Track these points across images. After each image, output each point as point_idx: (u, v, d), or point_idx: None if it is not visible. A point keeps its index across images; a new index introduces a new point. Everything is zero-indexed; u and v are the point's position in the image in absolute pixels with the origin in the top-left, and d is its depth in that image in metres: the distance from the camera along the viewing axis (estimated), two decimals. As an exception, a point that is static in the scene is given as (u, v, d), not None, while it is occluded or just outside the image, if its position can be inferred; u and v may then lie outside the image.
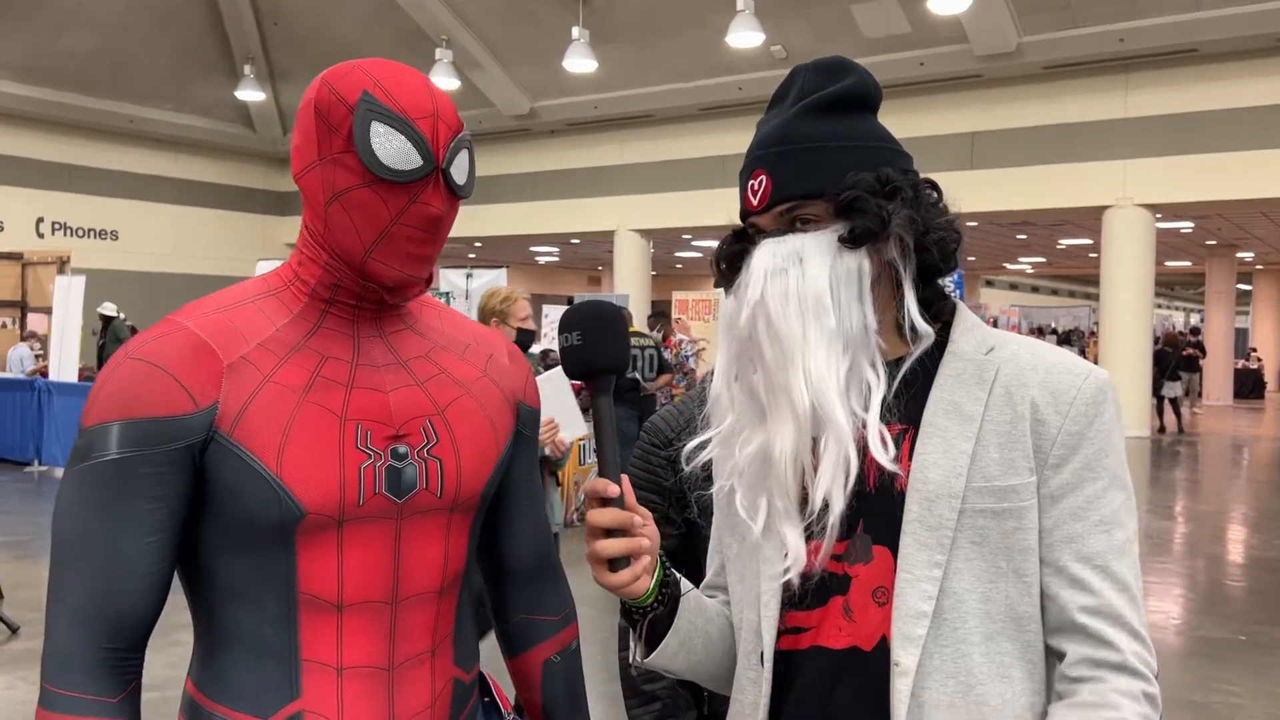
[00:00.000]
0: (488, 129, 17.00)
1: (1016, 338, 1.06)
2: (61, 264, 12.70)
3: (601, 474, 1.01)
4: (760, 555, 1.05)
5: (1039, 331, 22.40)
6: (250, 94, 16.95)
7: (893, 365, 1.04)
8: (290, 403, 1.03)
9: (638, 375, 7.68)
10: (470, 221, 17.91)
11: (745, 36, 12.02)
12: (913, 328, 1.02)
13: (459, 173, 1.06)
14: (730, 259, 1.08)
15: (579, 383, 1.11)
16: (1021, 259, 24.96)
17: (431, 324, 1.19)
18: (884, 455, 0.98)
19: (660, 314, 10.34)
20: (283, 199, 20.74)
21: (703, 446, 1.11)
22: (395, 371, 1.11)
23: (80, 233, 17.48)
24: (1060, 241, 20.30)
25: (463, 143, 1.07)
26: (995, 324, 16.24)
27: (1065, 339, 23.59)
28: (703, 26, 13.23)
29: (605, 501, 1.00)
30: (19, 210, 17.12)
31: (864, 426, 1.00)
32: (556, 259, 24.87)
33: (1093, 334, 21.50)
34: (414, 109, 1.03)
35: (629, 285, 16.05)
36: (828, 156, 1.03)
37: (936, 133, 13.38)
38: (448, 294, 12.52)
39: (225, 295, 1.11)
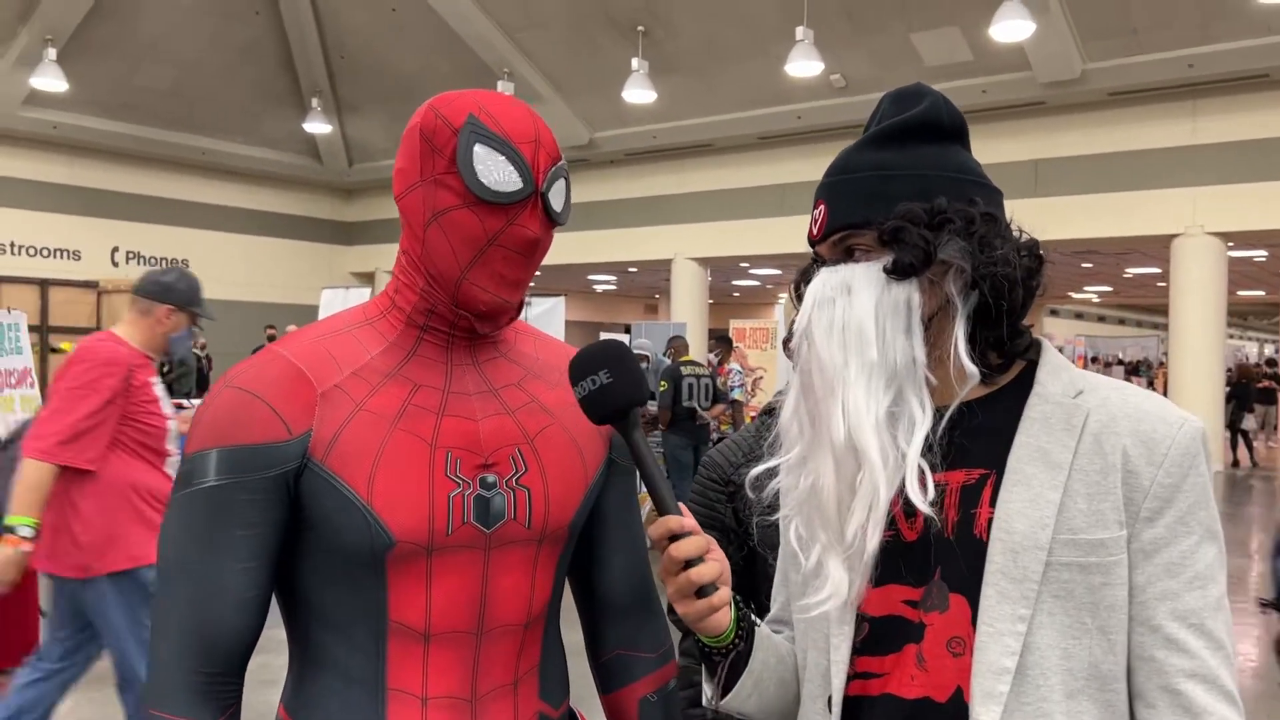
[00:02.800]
0: (548, 159, 17.13)
1: (1105, 380, 1.03)
2: (135, 292, 13.06)
3: (662, 511, 0.99)
4: (810, 591, 1.02)
5: (1097, 361, 21.90)
6: (318, 127, 17.35)
7: (959, 405, 1.01)
8: (382, 430, 1.04)
9: (694, 404, 7.66)
10: (530, 250, 18.02)
11: (804, 66, 12.01)
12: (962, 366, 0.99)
13: (557, 199, 1.07)
14: (799, 288, 1.09)
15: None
16: (1087, 288, 24.49)
17: (525, 351, 1.19)
18: (920, 496, 0.95)
19: (723, 339, 10.28)
20: (348, 229, 21.14)
21: (770, 474, 1.09)
22: (486, 399, 1.11)
23: (154, 261, 17.97)
24: (1127, 270, 19.89)
25: (561, 171, 1.08)
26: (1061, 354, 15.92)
27: (1133, 370, 23.06)
28: (762, 56, 13.26)
29: (677, 535, 0.97)
30: (97, 240, 17.68)
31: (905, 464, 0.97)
32: (614, 287, 24.99)
33: (1161, 365, 21.00)
34: (517, 134, 1.05)
35: (686, 313, 16.05)
36: (884, 186, 1.01)
37: (999, 160, 13.21)
38: (507, 322, 12.68)
39: (326, 324, 1.14)
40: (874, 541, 0.96)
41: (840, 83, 13.30)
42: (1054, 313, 29.28)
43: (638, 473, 1.06)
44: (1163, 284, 19.12)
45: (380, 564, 1.03)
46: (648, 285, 23.96)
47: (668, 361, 8.58)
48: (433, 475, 1.05)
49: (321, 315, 9.71)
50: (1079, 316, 31.89)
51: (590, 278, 22.78)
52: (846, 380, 0.98)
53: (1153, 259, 16.80)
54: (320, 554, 1.05)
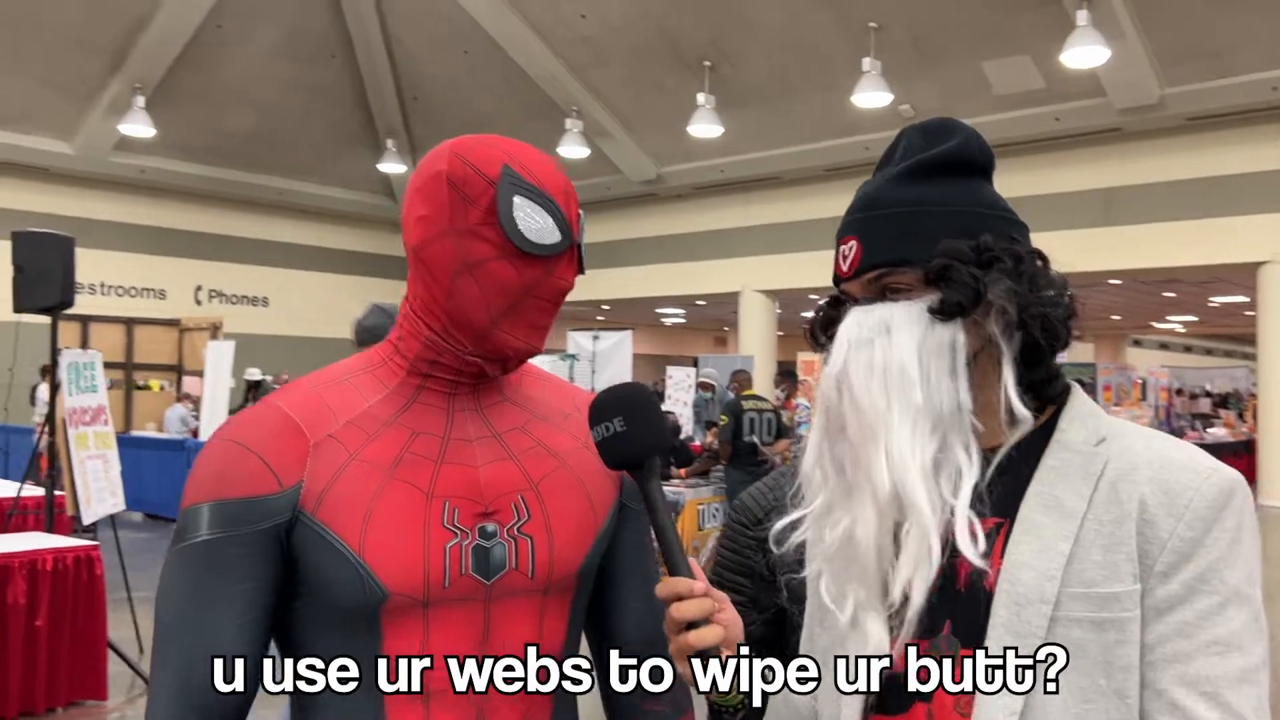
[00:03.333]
0: (615, 195, 17.30)
1: (1137, 429, 0.97)
2: (214, 330, 13.44)
3: (672, 570, 0.96)
4: (845, 649, 0.97)
5: (1182, 393, 21.17)
6: (392, 166, 17.74)
7: (993, 452, 0.96)
8: (376, 480, 1.02)
9: (755, 439, 7.58)
10: (597, 284, 18.17)
11: (872, 97, 11.94)
12: (1010, 410, 0.94)
13: (584, 246, 1.09)
14: (824, 326, 1.04)
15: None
16: (1171, 318, 23.75)
17: (531, 394, 1.17)
18: (972, 549, 0.90)
19: (788, 374, 10.19)
20: (421, 265, 21.47)
21: (794, 526, 1.04)
22: (488, 445, 1.09)
23: (234, 299, 18.49)
24: (1212, 299, 19.25)
25: (583, 218, 1.09)
26: (1144, 386, 15.45)
27: (1222, 402, 22.25)
28: (829, 88, 13.21)
29: (685, 596, 0.94)
30: (181, 279, 18.25)
31: (952, 515, 0.92)
32: (683, 320, 24.98)
33: (1252, 396, 20.24)
34: (551, 185, 1.05)
35: (754, 346, 15.96)
36: (921, 222, 0.97)
37: (1070, 189, 12.94)
38: (574, 356, 12.70)
39: (326, 372, 1.13)
40: (922, 594, 0.91)
41: (909, 113, 13.16)
42: (1137, 343, 28.46)
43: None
44: (1250, 312, 18.48)
45: (374, 617, 1.01)
46: (716, 318, 23.90)
47: (731, 395, 8.52)
48: (428, 525, 1.02)
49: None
50: (1164, 347, 30.94)
51: (658, 311, 22.82)
52: (890, 425, 0.93)
53: (1239, 287, 16.24)
54: (316, 607, 1.03)
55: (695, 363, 14.77)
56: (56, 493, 4.99)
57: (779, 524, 1.06)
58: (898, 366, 0.94)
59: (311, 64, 15.60)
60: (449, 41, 14.74)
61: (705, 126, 13.63)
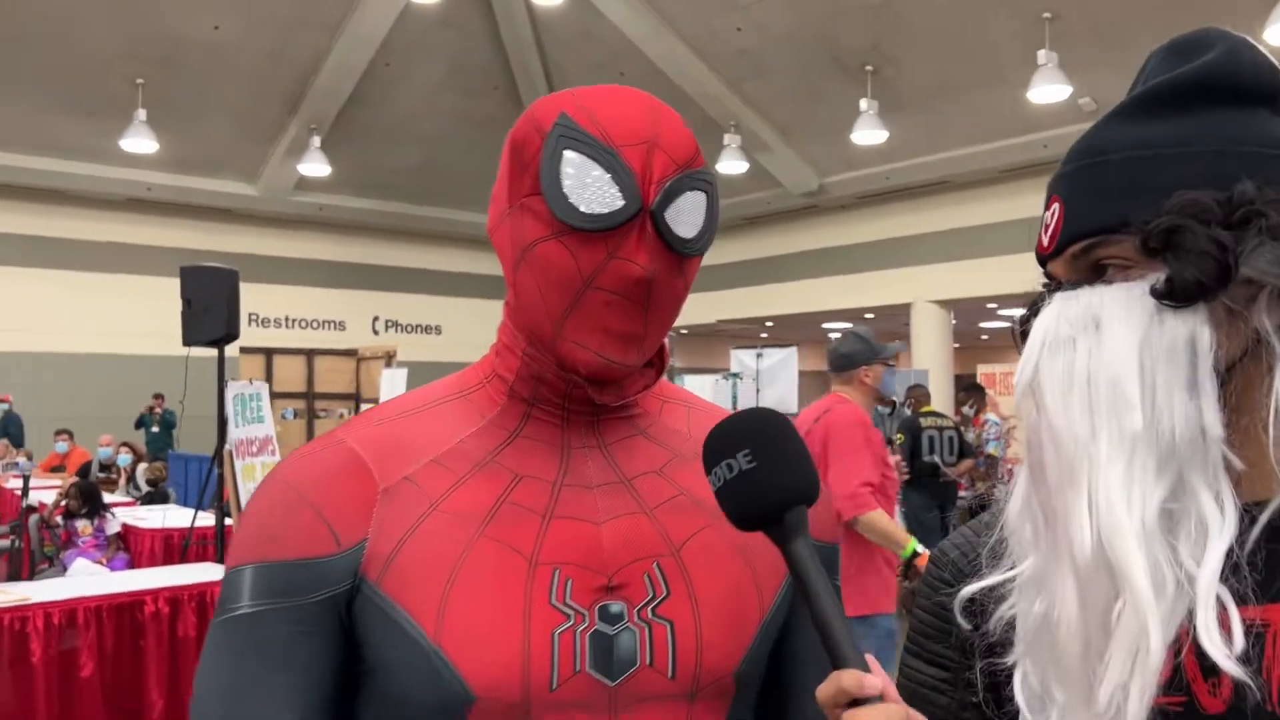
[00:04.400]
0: (776, 209, 16.98)
1: None
2: (388, 358, 13.83)
3: (835, 660, 0.68)
4: None
5: None
6: (553, 192, 17.94)
7: (1259, 506, 0.66)
8: (461, 539, 0.78)
9: (937, 459, 7.08)
10: (760, 301, 17.86)
11: (1049, 91, 11.22)
12: None
13: (681, 220, 0.79)
14: (1025, 323, 0.77)
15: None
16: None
17: (675, 426, 0.92)
18: (1218, 647, 0.61)
19: (974, 387, 9.57)
20: (584, 288, 21.73)
21: (991, 594, 0.76)
22: (615, 494, 0.84)
23: (409, 328, 19.12)
24: None
25: (692, 182, 0.80)
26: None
27: None
28: (1000, 85, 12.52)
29: (858, 700, 0.65)
30: (358, 310, 19.00)
31: (1192, 594, 0.63)
32: (852, 335, 24.28)
33: None
34: (622, 133, 0.78)
35: (929, 360, 15.27)
36: (1150, 171, 0.68)
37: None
38: (737, 375, 12.40)
39: (411, 397, 0.90)
40: (1140, 710, 0.62)
41: (1090, 105, 12.31)
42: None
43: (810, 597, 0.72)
44: None
45: None
46: (887, 331, 23.11)
47: (908, 412, 8.04)
48: (530, 603, 0.77)
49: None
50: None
51: (825, 326, 22.26)
52: (1094, 460, 0.64)
53: None
54: (379, 704, 0.79)
55: (865, 378, 14.23)
56: (227, 522, 5.08)
57: (968, 588, 0.78)
58: (1109, 377, 0.65)
59: (474, 96, 15.97)
60: (606, 65, 14.79)
61: (868, 133, 13.15)
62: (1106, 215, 0.68)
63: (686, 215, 0.80)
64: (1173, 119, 0.69)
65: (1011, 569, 0.74)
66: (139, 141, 13.19)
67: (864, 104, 13.03)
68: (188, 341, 4.85)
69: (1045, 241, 0.74)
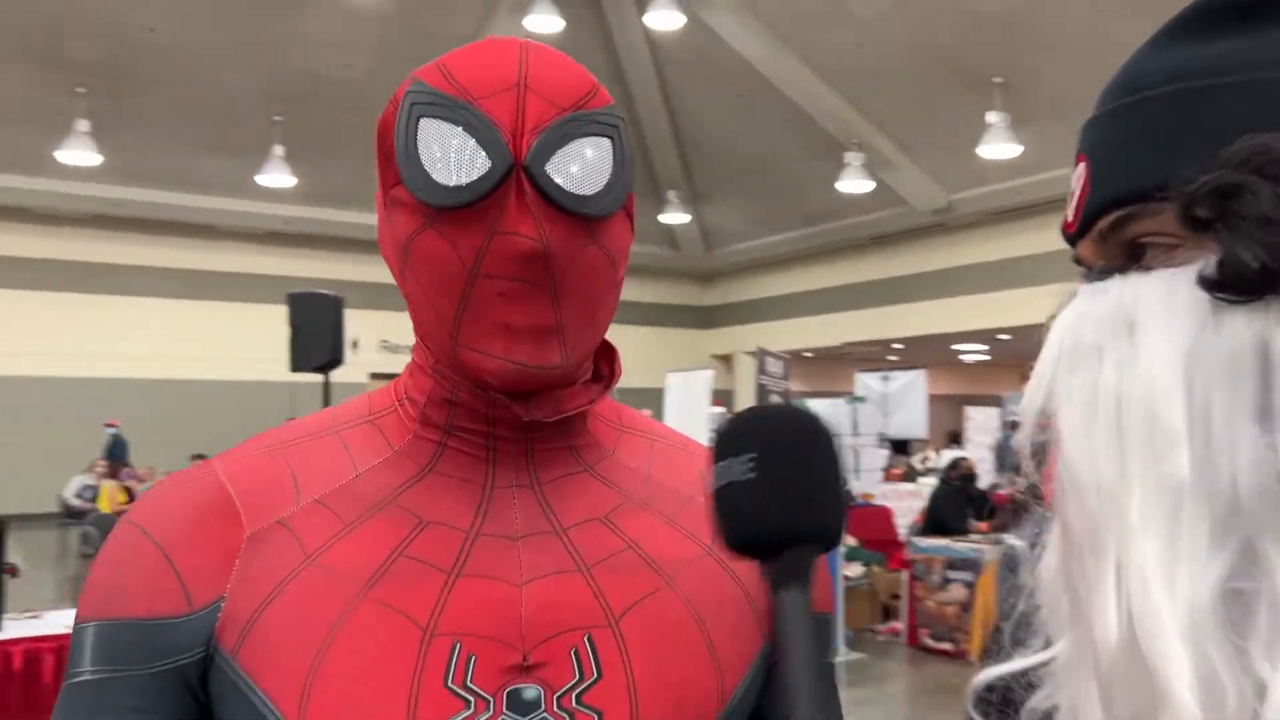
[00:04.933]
0: (903, 227, 16.52)
1: None
2: (509, 383, 14.02)
3: None
4: None
5: None
6: (675, 217, 17.93)
7: None
8: (339, 601, 0.63)
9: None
10: (887, 322, 17.37)
11: (1192, 96, 10.57)
12: None
13: (573, 173, 0.64)
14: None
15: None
16: None
17: (632, 464, 0.76)
18: None
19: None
20: (708, 313, 21.59)
21: (1025, 679, 0.57)
22: (544, 546, 0.69)
23: (531, 354, 19.38)
24: None
25: (582, 126, 0.65)
26: None
27: None
28: (1139, 93, 11.87)
29: None
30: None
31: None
32: (986, 357, 23.45)
33: None
34: (482, 82, 0.64)
35: (1067, 383, 14.52)
36: (1197, 109, 0.50)
37: None
38: (861, 398, 12.04)
39: (311, 421, 0.76)
40: None
41: (1241, 111, 11.56)
42: None
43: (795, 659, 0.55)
44: None
45: None
46: (1023, 353, 22.22)
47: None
48: (419, 685, 0.62)
49: (668, 403, 9.68)
50: None
51: (955, 348, 21.53)
52: (1124, 519, 0.46)
53: None
54: None
55: (999, 403, 13.65)
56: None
57: (985, 674, 0.59)
58: (1143, 402, 0.47)
59: (595, 123, 16.06)
60: (725, 87, 14.70)
61: (999, 147, 12.65)
62: (1142, 175, 0.50)
63: (580, 167, 0.65)
64: (1232, 36, 0.50)
65: (1045, 648, 0.57)
66: (277, 176, 13.76)
67: (993, 117, 12.54)
68: (295, 368, 4.94)
69: (1070, 215, 0.58)
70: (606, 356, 0.76)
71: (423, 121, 0.63)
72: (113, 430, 13.87)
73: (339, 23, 11.82)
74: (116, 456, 13.59)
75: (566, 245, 0.64)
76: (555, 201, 0.64)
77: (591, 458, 0.74)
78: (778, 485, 0.55)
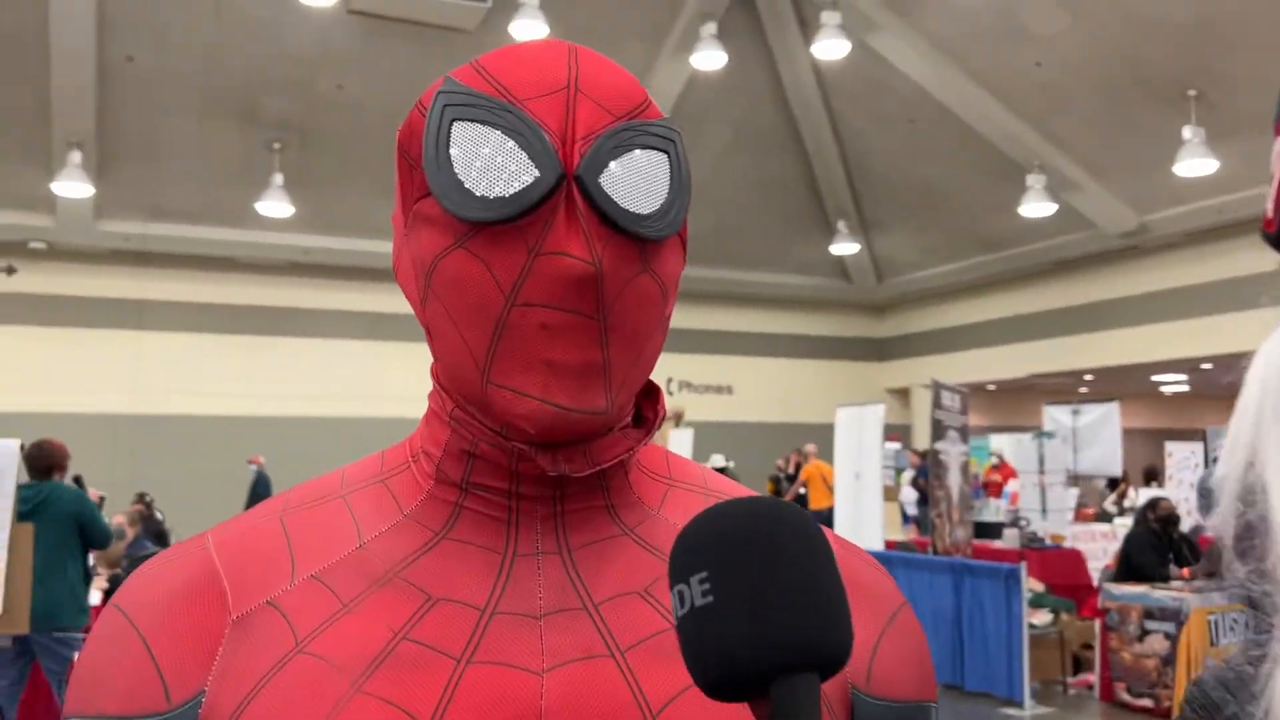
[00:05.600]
0: (1091, 251, 15.65)
1: None
2: (677, 419, 13.97)
3: None
4: None
5: None
6: (845, 248, 17.61)
7: None
8: (330, 695, 0.55)
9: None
10: (1077, 352, 16.45)
11: None
12: None
13: (629, 188, 0.57)
14: None
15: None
16: None
17: (682, 520, 0.64)
18: None
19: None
20: (881, 345, 21.05)
21: None
22: (571, 626, 0.59)
23: (701, 389, 19.31)
24: None
25: (638, 136, 0.58)
26: None
27: None
28: (1358, 97, 10.85)
29: None
30: (656, 373, 19.44)
31: None
32: (1186, 388, 21.88)
33: None
34: (526, 82, 0.57)
35: (1282, 415, 13.32)
36: None
37: None
38: (1049, 434, 11.38)
39: (319, 483, 0.68)
40: None
41: None
42: None
43: None
44: None
45: None
46: (1229, 383, 20.59)
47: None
48: None
49: (838, 438, 9.39)
50: None
51: (1154, 378, 20.16)
52: None
53: None
54: None
55: (1204, 437, 12.64)
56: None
57: None
58: None
59: (762, 157, 16.03)
60: (895, 114, 14.37)
61: (1195, 163, 11.81)
62: None
63: (636, 182, 0.57)
64: None
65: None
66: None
67: (1188, 132, 11.74)
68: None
69: (1269, 210, 0.53)
70: (649, 398, 0.67)
71: (457, 125, 0.56)
72: (255, 468, 14.30)
73: (510, 70, 12.23)
74: (260, 496, 14.08)
75: (618, 270, 0.56)
76: (609, 219, 0.56)
77: (632, 518, 0.64)
78: (740, 607, 0.44)
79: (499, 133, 0.55)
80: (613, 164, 0.56)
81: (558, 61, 0.58)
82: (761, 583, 0.45)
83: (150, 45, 11.48)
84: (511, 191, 0.55)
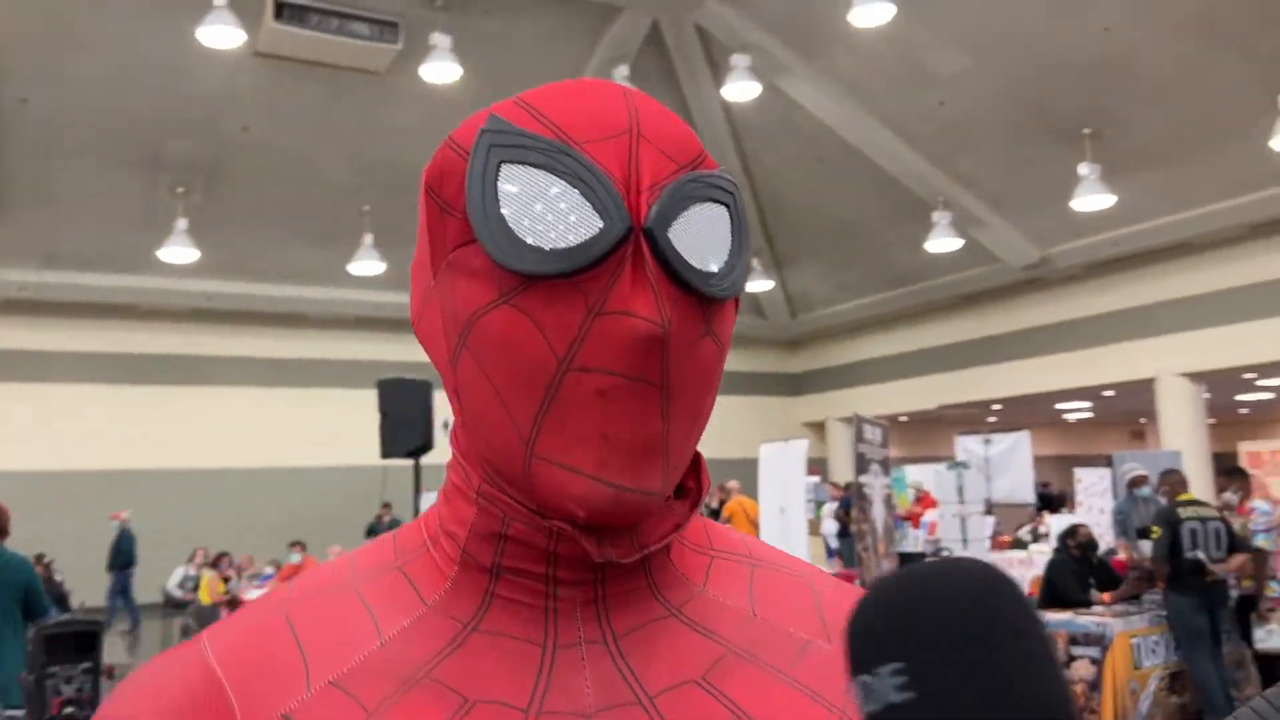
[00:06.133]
0: (995, 284, 16.12)
1: None
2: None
3: None
4: None
5: None
6: (758, 284, 17.81)
7: None
8: None
9: (1201, 555, 6.21)
10: (985, 383, 16.88)
11: (1299, 136, 10.12)
12: None
13: (695, 243, 0.52)
14: None
15: None
16: None
17: (731, 599, 0.60)
18: None
19: (1235, 471, 8.43)
20: (796, 380, 21.30)
21: None
22: None
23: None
24: None
25: (703, 188, 0.53)
26: None
27: None
28: (1238, 136, 11.44)
29: None
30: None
31: None
32: (1089, 415, 22.62)
33: None
34: (585, 124, 0.52)
35: (1180, 439, 13.83)
36: None
37: None
38: (963, 463, 11.59)
39: (323, 574, 0.60)
40: None
41: (1352, 148, 11.03)
42: None
43: None
44: None
45: None
46: (1129, 410, 21.37)
47: (1163, 501, 7.16)
48: None
49: (762, 474, 9.41)
50: None
51: (1058, 407, 20.79)
52: None
53: None
54: None
55: (1109, 461, 13.03)
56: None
57: None
58: None
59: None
60: (804, 153, 14.64)
61: (1092, 198, 12.28)
62: None
63: (701, 237, 0.52)
64: None
65: None
66: (366, 264, 14.05)
67: (1084, 168, 12.21)
68: (386, 454, 4.90)
69: None
70: (691, 466, 0.61)
71: (506, 168, 0.50)
72: (118, 523, 13.52)
73: (423, 110, 12.11)
74: (124, 552, 13.33)
75: (684, 333, 0.51)
76: (679, 277, 0.51)
77: (678, 597, 0.58)
78: (950, 702, 0.38)
79: (557, 178, 0.50)
80: (681, 216, 0.51)
81: (614, 102, 0.53)
82: (976, 673, 0.38)
83: (46, 88, 11.07)
84: (573, 243, 0.49)
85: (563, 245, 0.49)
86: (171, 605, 12.13)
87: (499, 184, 0.50)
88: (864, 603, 0.42)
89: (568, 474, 0.50)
